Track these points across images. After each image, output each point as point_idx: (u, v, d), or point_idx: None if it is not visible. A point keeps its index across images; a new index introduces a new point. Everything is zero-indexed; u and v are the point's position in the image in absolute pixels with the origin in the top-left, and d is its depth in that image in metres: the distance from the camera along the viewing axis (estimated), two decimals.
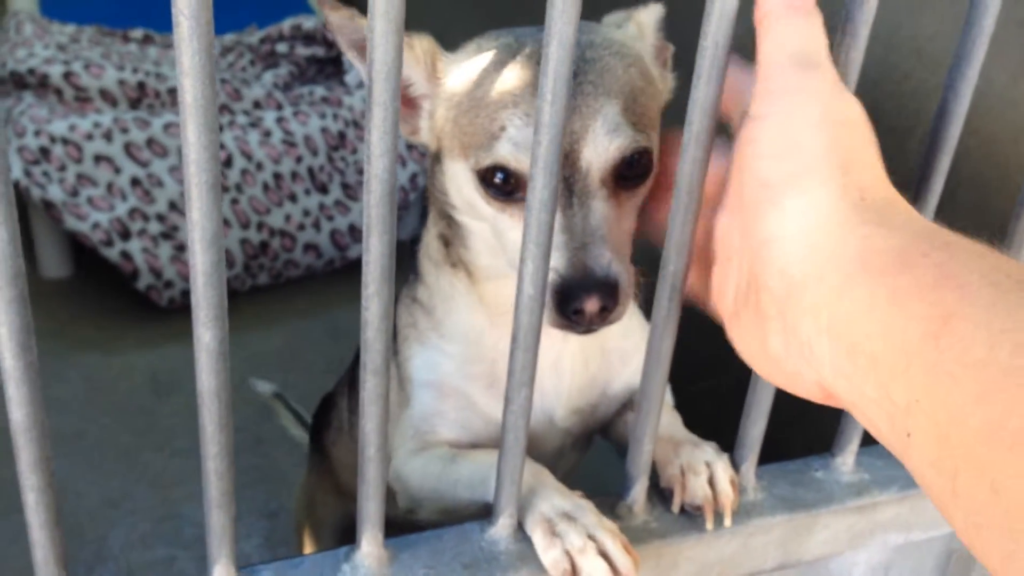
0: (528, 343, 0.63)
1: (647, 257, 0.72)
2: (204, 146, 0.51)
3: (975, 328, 0.42)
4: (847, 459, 0.82)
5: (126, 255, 2.14)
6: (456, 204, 0.79)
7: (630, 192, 0.73)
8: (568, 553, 0.67)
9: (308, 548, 1.39)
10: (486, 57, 0.74)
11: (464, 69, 0.75)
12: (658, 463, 0.77)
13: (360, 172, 2.40)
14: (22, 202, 2.11)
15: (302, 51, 2.58)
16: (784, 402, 0.77)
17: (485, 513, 0.72)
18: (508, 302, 0.64)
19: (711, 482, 0.75)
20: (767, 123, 0.53)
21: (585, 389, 0.89)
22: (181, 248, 2.18)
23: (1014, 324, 0.41)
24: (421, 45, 0.77)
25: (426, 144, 0.80)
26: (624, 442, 0.77)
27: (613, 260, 0.68)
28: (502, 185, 0.72)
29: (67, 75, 2.33)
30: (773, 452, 0.80)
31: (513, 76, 0.72)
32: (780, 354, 0.54)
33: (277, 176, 2.30)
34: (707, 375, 1.24)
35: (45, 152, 2.16)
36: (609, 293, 0.68)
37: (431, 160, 0.81)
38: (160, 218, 2.19)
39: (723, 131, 0.61)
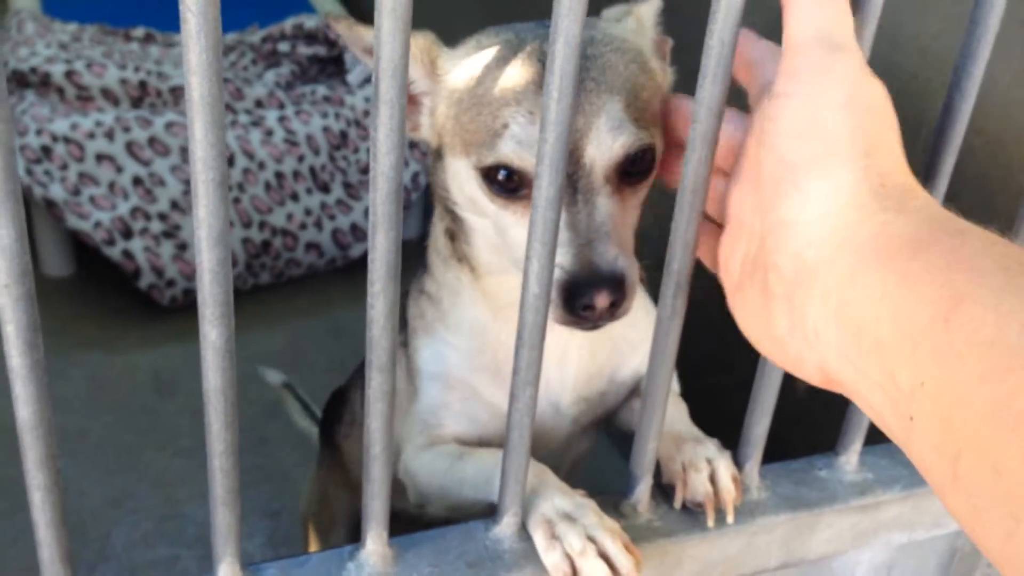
0: (533, 341, 0.63)
1: (653, 253, 0.72)
2: (211, 143, 0.50)
3: (984, 310, 0.42)
4: (851, 458, 0.82)
5: (128, 254, 2.14)
6: (458, 200, 0.79)
7: (633, 188, 0.73)
8: (568, 556, 0.67)
9: (315, 542, 1.39)
10: (487, 54, 0.74)
11: (465, 66, 0.75)
12: (660, 459, 0.77)
13: (362, 171, 2.40)
14: (24, 201, 2.10)
15: (304, 50, 2.58)
16: (788, 401, 0.77)
17: (490, 511, 0.72)
18: (510, 296, 0.64)
19: (713, 479, 0.75)
20: (791, 102, 0.53)
21: (592, 378, 0.89)
22: (183, 247, 2.18)
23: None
24: (420, 42, 0.76)
25: (427, 141, 0.80)
26: (630, 429, 0.77)
27: (619, 255, 0.68)
28: (505, 183, 0.72)
29: (69, 74, 2.33)
30: (777, 451, 0.80)
31: (515, 73, 0.71)
32: (784, 336, 0.53)
33: (279, 175, 2.30)
34: (711, 373, 1.24)
35: (47, 151, 2.16)
36: (617, 287, 0.68)
37: (432, 156, 0.81)
38: (162, 217, 2.19)
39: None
